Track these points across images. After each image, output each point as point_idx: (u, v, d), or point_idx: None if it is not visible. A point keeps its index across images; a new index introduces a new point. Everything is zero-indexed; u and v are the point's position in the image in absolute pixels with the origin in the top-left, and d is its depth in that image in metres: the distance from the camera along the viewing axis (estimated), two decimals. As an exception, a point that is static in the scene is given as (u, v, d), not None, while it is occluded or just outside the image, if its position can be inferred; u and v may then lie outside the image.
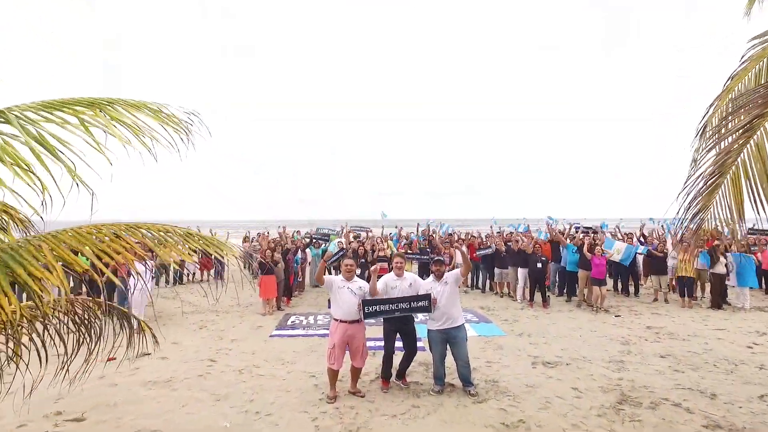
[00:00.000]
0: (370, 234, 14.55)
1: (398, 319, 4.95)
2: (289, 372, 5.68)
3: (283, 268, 9.64)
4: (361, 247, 10.48)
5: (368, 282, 5.06)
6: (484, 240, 13.11)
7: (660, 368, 5.74)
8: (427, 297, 4.86)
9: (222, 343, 7.02)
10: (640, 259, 11.41)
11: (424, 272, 12.15)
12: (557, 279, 11.35)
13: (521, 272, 10.28)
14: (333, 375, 4.83)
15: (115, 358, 6.28)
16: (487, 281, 11.88)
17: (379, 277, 5.31)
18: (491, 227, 15.82)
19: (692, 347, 6.67)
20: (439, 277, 5.03)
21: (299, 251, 11.57)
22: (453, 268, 11.78)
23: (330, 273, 14.23)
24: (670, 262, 10.68)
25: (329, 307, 6.49)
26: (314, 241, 12.76)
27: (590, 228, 11.76)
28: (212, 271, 14.74)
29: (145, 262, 7.67)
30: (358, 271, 10.33)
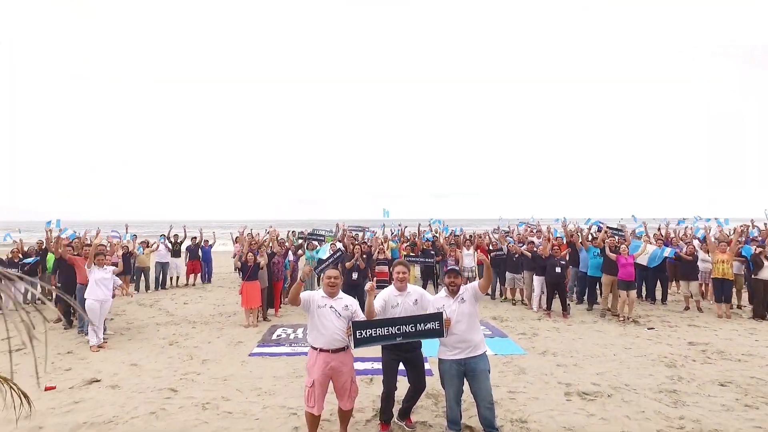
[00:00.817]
0: (368, 232, 13.36)
1: (401, 345, 3.84)
2: (265, 407, 4.55)
3: (267, 273, 8.55)
4: (357, 247, 9.25)
5: (350, 292, 3.95)
6: (494, 240, 12.01)
7: (726, 402, 4.62)
8: (437, 316, 3.75)
9: (191, 365, 5.91)
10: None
11: (428, 277, 11.05)
12: (576, 284, 10.25)
13: (537, 279, 9.17)
14: (313, 421, 3.69)
15: (54, 387, 5.23)
16: (498, 286, 10.77)
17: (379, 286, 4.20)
18: (498, 227, 14.70)
19: (753, 371, 5.56)
20: (453, 291, 3.91)
21: (290, 253, 10.44)
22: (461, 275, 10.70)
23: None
24: (700, 266, 9.60)
25: None
26: (308, 241, 11.59)
27: (616, 229, 10.65)
28: (200, 275, 13.65)
29: (104, 268, 6.34)
30: (354, 276, 9.19)
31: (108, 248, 11.49)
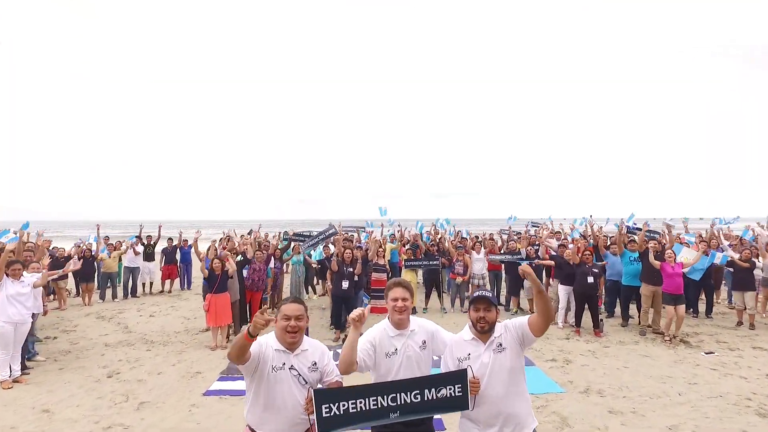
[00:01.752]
0: (363, 233, 11.91)
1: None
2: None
3: (239, 283, 7.10)
4: (348, 252, 7.68)
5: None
6: (501, 242, 10.53)
7: None
8: (459, 377, 2.29)
9: (121, 412, 4.44)
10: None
11: (432, 284, 9.55)
12: (605, 294, 8.79)
13: (563, 289, 7.72)
14: None
15: None
16: (509, 296, 9.26)
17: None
18: (509, 227, 13.23)
19: None
20: (484, 331, 2.44)
21: (272, 259, 8.96)
22: (469, 282, 9.18)
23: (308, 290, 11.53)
24: (756, 274, 8.15)
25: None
26: (293, 244, 10.12)
27: (654, 231, 9.22)
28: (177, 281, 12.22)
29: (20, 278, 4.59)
30: (345, 285, 7.54)
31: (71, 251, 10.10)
